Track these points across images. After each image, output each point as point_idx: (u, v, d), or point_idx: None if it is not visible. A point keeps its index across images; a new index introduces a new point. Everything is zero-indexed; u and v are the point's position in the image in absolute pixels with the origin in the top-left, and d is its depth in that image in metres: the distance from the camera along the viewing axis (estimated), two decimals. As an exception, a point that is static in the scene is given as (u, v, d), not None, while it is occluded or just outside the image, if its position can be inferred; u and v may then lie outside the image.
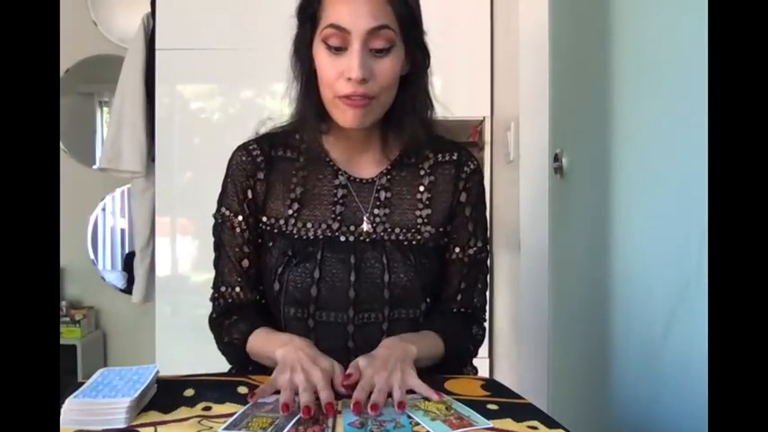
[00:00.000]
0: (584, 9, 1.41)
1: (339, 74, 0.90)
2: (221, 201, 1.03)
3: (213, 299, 1.05)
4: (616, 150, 1.21)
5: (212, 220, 1.04)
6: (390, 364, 0.83)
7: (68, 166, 2.68)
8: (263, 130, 1.05)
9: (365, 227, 1.00)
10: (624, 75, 1.19)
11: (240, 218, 1.01)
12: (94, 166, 2.70)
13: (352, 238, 0.99)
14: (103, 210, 2.84)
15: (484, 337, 1.07)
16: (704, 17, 0.69)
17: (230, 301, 1.02)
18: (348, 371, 0.82)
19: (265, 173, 1.01)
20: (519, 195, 1.74)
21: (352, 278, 0.96)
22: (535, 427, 0.72)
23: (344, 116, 0.93)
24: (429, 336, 0.96)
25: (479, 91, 2.11)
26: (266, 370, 0.93)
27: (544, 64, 1.66)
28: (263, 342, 0.94)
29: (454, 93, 2.07)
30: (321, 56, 0.93)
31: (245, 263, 1.01)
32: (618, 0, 1.22)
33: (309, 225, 0.99)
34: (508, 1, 1.91)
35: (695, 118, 0.87)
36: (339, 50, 0.91)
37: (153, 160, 2.24)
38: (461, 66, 2.07)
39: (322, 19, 0.92)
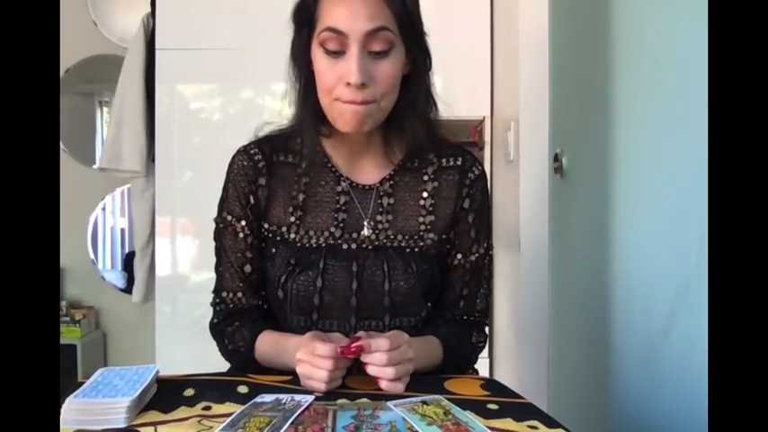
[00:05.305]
0: (584, 9, 1.41)
1: (338, 78, 0.89)
2: (222, 205, 1.02)
3: (214, 304, 1.04)
4: (616, 150, 1.21)
5: (212, 220, 1.04)
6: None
7: (68, 166, 2.68)
8: (263, 133, 1.03)
9: (366, 232, 0.99)
10: (624, 75, 1.19)
11: (243, 222, 1.00)
12: (94, 166, 2.71)
13: (354, 246, 0.98)
14: (103, 210, 2.84)
15: (485, 344, 1.06)
16: (704, 17, 0.69)
17: (232, 306, 1.01)
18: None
19: (267, 178, 1.00)
20: (519, 195, 1.74)
21: (354, 286, 0.95)
22: (535, 427, 0.72)
23: (344, 119, 0.91)
24: (430, 343, 0.96)
25: (479, 91, 2.11)
26: (265, 370, 0.93)
27: (544, 64, 1.66)
28: (273, 351, 0.94)
29: (454, 93, 2.02)
30: (319, 60, 0.91)
31: (248, 268, 1.00)
32: (618, 0, 1.22)
33: (312, 233, 0.98)
34: (508, 1, 1.91)
35: (695, 117, 0.87)
36: (337, 54, 0.89)
37: (153, 160, 2.24)
38: (461, 66, 2.07)
39: (319, 22, 0.91)
